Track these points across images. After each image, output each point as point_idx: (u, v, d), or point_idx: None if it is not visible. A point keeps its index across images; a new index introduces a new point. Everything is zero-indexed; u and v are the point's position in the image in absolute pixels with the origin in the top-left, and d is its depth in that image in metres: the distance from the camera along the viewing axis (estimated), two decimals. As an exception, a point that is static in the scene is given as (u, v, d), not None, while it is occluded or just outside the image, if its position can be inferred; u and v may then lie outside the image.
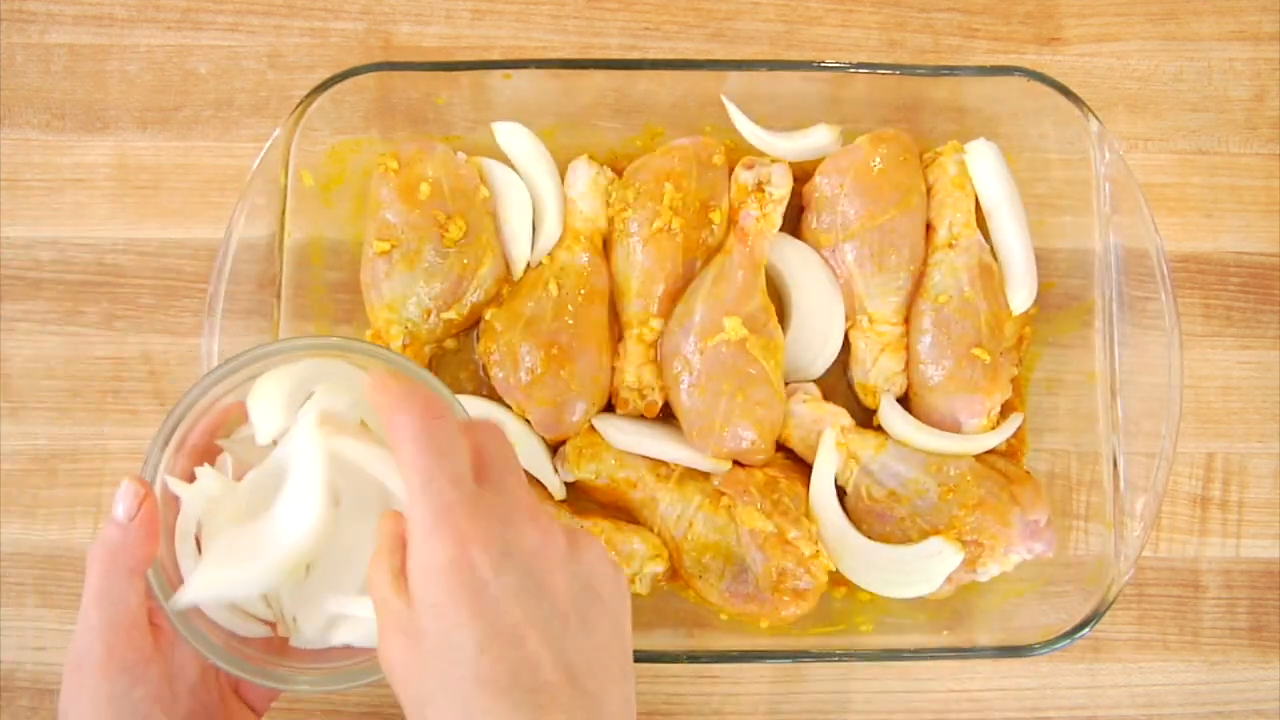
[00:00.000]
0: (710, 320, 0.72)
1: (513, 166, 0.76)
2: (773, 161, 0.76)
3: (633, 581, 0.72)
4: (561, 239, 0.76)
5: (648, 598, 0.73)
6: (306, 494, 0.48)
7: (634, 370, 0.74)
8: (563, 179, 0.76)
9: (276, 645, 0.53)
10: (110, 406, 0.78)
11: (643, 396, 0.74)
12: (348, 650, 0.52)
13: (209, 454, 0.53)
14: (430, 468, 0.44)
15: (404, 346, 0.73)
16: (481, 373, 0.76)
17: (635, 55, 0.82)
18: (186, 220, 0.80)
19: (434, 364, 0.77)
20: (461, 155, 0.76)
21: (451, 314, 0.73)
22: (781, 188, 0.75)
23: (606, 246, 0.76)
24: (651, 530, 0.73)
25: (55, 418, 0.78)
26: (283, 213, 0.72)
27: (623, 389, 0.74)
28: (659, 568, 0.72)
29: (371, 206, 0.74)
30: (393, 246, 0.72)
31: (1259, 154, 0.83)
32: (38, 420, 0.78)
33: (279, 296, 0.72)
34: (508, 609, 0.44)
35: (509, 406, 0.74)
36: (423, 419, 0.45)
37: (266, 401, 0.50)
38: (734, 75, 0.75)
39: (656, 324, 0.74)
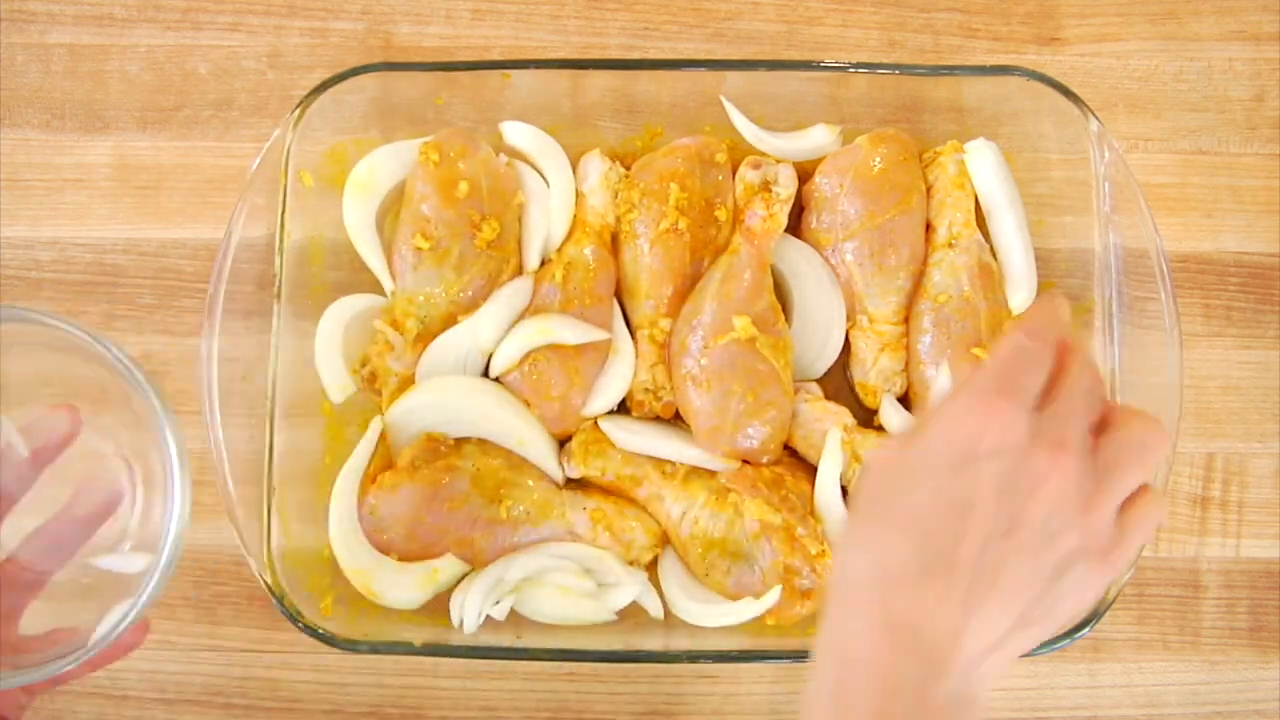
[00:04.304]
0: (719, 319, 0.72)
1: (529, 163, 0.77)
2: (777, 161, 0.76)
3: (630, 565, 0.73)
4: (570, 233, 0.75)
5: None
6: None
7: (647, 370, 0.74)
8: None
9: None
10: (110, 406, 0.78)
11: (658, 398, 0.74)
12: (46, 640, 0.55)
13: None
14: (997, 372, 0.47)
15: (415, 339, 0.73)
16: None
17: (635, 55, 0.82)
18: (186, 220, 0.80)
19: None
20: (503, 158, 0.76)
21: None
22: (788, 187, 0.75)
23: (615, 244, 0.76)
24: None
25: (55, 418, 0.78)
26: (282, 213, 0.72)
27: (638, 391, 0.74)
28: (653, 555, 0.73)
29: (407, 194, 0.74)
30: (426, 239, 0.72)
31: (1259, 154, 0.82)
32: (38, 420, 0.78)
33: (279, 296, 0.72)
34: (968, 487, 0.45)
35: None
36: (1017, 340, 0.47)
37: None
38: (734, 75, 0.75)
39: (666, 324, 0.74)
